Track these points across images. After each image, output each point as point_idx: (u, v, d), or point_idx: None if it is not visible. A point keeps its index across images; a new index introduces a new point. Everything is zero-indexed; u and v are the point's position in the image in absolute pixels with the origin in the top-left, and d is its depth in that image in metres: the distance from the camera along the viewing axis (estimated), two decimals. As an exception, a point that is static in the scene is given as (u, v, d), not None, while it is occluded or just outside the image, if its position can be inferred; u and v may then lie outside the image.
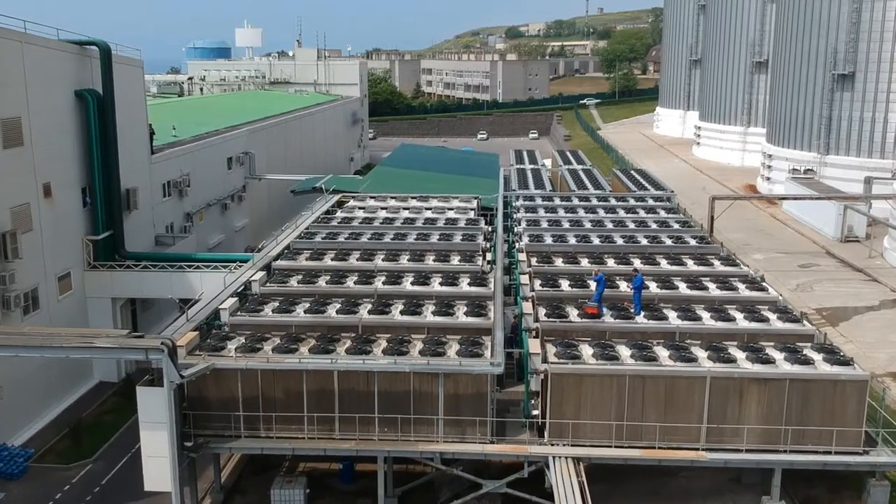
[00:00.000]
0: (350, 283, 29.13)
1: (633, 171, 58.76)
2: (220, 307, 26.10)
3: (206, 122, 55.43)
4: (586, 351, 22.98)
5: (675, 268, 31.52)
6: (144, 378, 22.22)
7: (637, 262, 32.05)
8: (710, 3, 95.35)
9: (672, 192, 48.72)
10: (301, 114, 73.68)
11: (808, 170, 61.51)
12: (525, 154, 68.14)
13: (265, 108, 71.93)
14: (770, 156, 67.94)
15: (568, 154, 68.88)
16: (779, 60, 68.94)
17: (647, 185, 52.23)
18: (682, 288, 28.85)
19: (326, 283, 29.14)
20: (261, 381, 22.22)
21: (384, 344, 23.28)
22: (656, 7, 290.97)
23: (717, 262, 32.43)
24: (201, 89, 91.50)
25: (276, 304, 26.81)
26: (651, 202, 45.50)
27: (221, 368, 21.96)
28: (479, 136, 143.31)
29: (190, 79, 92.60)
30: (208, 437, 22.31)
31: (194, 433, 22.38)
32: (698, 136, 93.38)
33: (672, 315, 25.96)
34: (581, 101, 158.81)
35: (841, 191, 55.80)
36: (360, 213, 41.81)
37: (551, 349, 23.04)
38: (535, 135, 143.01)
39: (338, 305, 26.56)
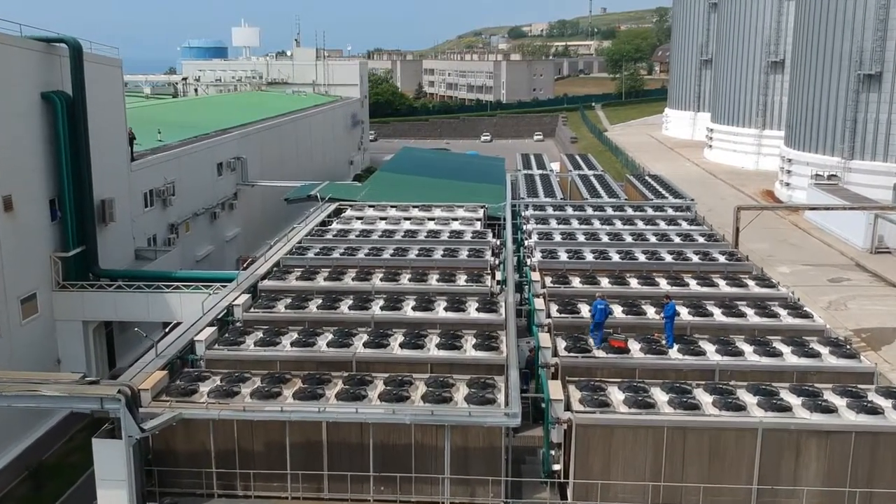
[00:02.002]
0: (344, 308, 26.03)
1: (647, 177, 55.61)
2: (195, 338, 22.97)
3: (196, 124, 52.41)
4: (616, 395, 19.81)
5: (705, 289, 28.38)
6: (103, 427, 19.10)
7: (663, 283, 28.98)
8: (722, 0, 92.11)
9: (692, 200, 45.62)
10: (298, 116, 70.61)
11: (832, 175, 58.32)
12: (532, 158, 64.96)
13: (261, 109, 68.86)
14: (790, 160, 64.78)
15: (577, 158, 65.72)
16: (798, 60, 65.77)
17: (663, 192, 49.10)
18: (717, 314, 25.70)
19: (318, 307, 26.05)
20: (237, 433, 19.09)
21: (381, 387, 20.13)
22: (661, 7, 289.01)
23: (750, 283, 29.29)
24: (196, 90, 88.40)
25: (260, 334, 23.67)
26: (671, 212, 42.35)
27: (191, 418, 18.81)
28: (483, 138, 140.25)
29: (184, 79, 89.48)
30: (176, 497, 19.16)
31: (160, 491, 19.26)
32: (710, 138, 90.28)
33: (710, 348, 22.81)
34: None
35: (868, 198, 52.65)
36: (358, 225, 38.69)
37: (575, 393, 19.87)
38: (540, 136, 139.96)
39: (329, 336, 23.43)
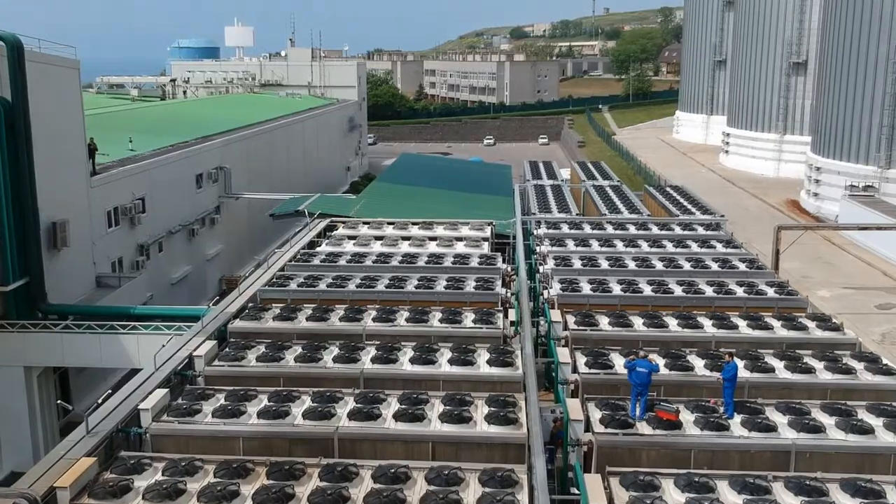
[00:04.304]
0: (328, 359, 21.60)
1: (668, 188, 51.13)
2: (140, 406, 18.49)
3: (175, 130, 47.94)
4: (673, 496, 15.30)
5: (759, 333, 23.96)
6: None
7: (707, 324, 24.58)
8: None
9: (723, 216, 41.17)
10: (290, 120, 66.07)
11: (868, 186, 53.76)
12: (541, 166, 60.40)
13: (251, 113, 64.39)
14: (818, 168, 60.21)
15: (590, 166, 61.19)
16: (827, 61, 61.18)
17: (688, 205, 44.63)
18: (779, 368, 21.26)
19: (297, 359, 21.60)
20: (178, 552, 14.57)
21: (368, 483, 15.60)
22: (665, 7, 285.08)
23: (809, 323, 24.82)
24: (185, 92, 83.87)
25: (222, 399, 19.19)
26: (701, 230, 37.94)
27: (115, 534, 14.31)
28: (486, 142, 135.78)
29: (172, 81, 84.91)
30: None
31: None
32: (727, 143, 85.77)
33: (779, 420, 18.31)
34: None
35: (910, 211, 48.12)
36: (350, 247, 34.26)
37: (620, 493, 15.36)
38: (545, 140, 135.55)
39: (307, 403, 18.95)
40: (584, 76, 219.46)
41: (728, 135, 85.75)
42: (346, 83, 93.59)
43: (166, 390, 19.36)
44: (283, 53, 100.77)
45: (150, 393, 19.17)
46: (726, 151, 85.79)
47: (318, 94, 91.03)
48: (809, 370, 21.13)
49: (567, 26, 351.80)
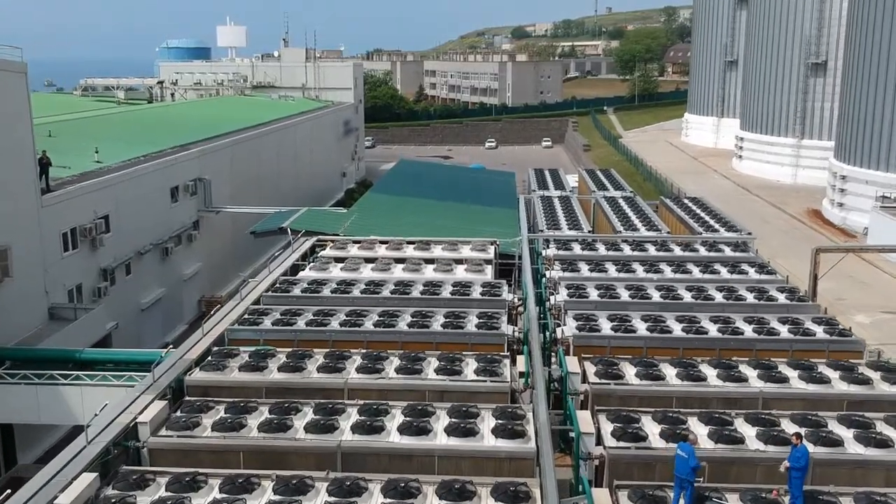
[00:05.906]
0: (300, 426, 17.82)
1: (686, 200, 47.28)
2: (58, 501, 14.73)
3: (154, 138, 44.18)
4: None
5: (814, 388, 20.17)
6: None
7: (752, 375, 20.78)
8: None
9: (750, 234, 37.42)
10: (280, 124, 62.27)
11: (901, 197, 49.91)
12: (547, 175, 56.52)
13: (240, 117, 60.63)
14: (843, 177, 56.38)
15: (599, 174, 57.29)
16: (852, 62, 57.35)
17: (710, 220, 40.82)
18: (848, 439, 17.49)
19: (261, 427, 17.79)
20: None
21: None
22: (669, 6, 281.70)
23: (872, 375, 21.02)
24: (172, 95, 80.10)
25: (163, 488, 15.44)
26: (728, 251, 34.12)
27: None
28: (487, 144, 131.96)
29: (160, 83, 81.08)
30: None
31: None
32: (740, 147, 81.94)
33: (861, 518, 14.53)
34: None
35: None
36: (337, 272, 30.53)
37: None
38: (549, 142, 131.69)
39: (268, 492, 15.23)
40: (587, 76, 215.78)
41: (742, 139, 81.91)
42: (342, 85, 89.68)
43: (95, 475, 15.63)
44: (276, 54, 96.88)
45: (75, 478, 15.44)
46: (740, 156, 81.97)
47: (312, 97, 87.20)
48: (886, 444, 17.31)
49: (569, 26, 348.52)
